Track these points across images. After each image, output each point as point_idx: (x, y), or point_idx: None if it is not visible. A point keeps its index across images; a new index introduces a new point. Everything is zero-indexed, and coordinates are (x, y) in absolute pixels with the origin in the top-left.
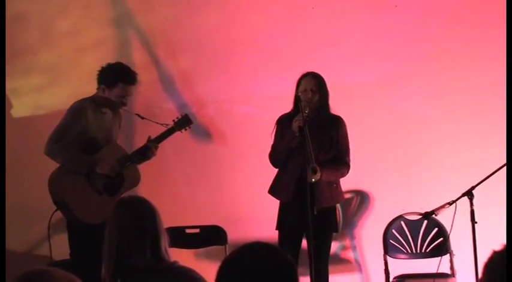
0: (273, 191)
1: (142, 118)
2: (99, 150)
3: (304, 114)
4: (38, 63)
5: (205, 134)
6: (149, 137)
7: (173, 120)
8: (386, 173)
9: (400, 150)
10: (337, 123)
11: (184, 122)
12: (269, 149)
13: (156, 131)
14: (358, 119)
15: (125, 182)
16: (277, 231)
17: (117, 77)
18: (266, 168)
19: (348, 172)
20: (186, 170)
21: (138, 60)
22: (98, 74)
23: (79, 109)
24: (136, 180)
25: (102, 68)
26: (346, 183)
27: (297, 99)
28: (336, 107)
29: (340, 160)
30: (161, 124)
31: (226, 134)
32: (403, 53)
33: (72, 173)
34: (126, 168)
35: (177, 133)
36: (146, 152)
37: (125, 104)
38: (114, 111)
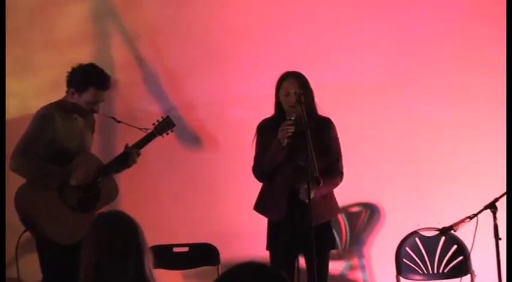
0: (261, 208)
1: (118, 122)
2: (72, 161)
3: (290, 122)
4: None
5: (194, 140)
6: (126, 144)
7: (153, 124)
8: (399, 184)
9: (414, 158)
10: (327, 126)
11: (165, 125)
12: None
13: (138, 137)
14: (365, 122)
15: (101, 196)
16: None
17: (88, 80)
18: None
19: (341, 181)
20: (173, 180)
21: (119, 58)
22: (68, 76)
23: (46, 116)
24: (114, 193)
25: (73, 69)
26: (353, 195)
27: (298, 101)
28: (340, 108)
29: (332, 168)
30: (140, 129)
31: (219, 140)
32: (416, 53)
33: (42, 187)
34: (102, 180)
35: (163, 139)
36: (127, 159)
37: (95, 112)
38: (84, 116)
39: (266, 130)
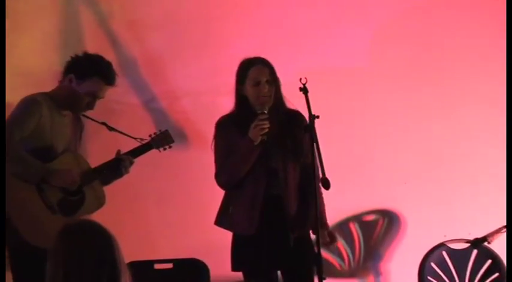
0: (225, 221)
1: (111, 129)
2: (56, 159)
3: (264, 116)
4: None
5: (179, 137)
6: (119, 150)
7: (150, 135)
8: (422, 188)
9: (440, 158)
10: (299, 120)
11: (163, 139)
12: None
13: (119, 145)
14: (382, 114)
15: (85, 202)
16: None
17: (95, 69)
18: None
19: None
20: (153, 184)
21: (89, 40)
22: (68, 62)
23: (32, 102)
24: (99, 202)
25: (77, 56)
26: (368, 200)
27: (304, 90)
28: (351, 95)
29: (312, 174)
30: (135, 138)
31: (208, 136)
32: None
33: (20, 182)
34: (88, 185)
35: (140, 134)
36: (118, 165)
37: (91, 107)
38: (76, 116)
39: (228, 129)
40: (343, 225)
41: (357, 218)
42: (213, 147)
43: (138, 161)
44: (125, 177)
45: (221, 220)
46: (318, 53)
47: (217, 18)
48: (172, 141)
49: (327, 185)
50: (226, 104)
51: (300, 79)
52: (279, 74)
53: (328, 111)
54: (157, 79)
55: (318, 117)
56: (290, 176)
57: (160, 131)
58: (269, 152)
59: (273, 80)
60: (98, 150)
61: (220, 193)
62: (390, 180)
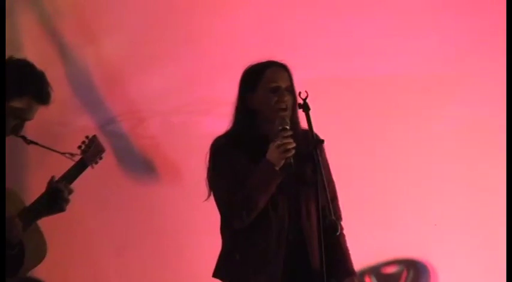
0: (231, 272)
1: (29, 143)
2: None
3: (288, 133)
4: None
5: (145, 167)
6: (52, 178)
7: (79, 147)
8: (456, 231)
9: (478, 192)
10: (318, 144)
11: (93, 148)
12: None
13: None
14: (402, 141)
15: (25, 256)
16: None
17: (25, 85)
18: None
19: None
20: (114, 230)
21: (29, 46)
22: None
23: None
24: (42, 252)
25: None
26: (387, 248)
27: (304, 106)
28: (362, 121)
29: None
30: (62, 153)
31: (181, 167)
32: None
33: None
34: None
35: (98, 166)
36: (56, 198)
37: (17, 132)
38: None
39: (230, 152)
40: None
41: (374, 270)
42: (210, 180)
43: (94, 198)
44: (77, 219)
45: (223, 271)
46: (316, 62)
47: (192, 20)
48: (104, 150)
49: (334, 229)
50: (205, 125)
51: (299, 93)
52: None
53: (334, 133)
54: (117, 95)
55: (323, 141)
56: (313, 216)
57: (87, 138)
58: (287, 184)
59: (292, 90)
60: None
61: (202, 238)
62: (416, 221)
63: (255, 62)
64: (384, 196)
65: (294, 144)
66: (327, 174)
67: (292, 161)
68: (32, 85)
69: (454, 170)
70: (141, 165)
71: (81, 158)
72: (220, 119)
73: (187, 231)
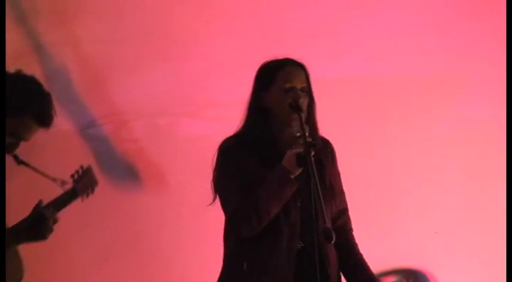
0: None
1: (20, 163)
2: None
3: (299, 134)
4: None
5: (128, 173)
6: (40, 200)
7: (72, 176)
8: (459, 238)
9: (484, 197)
10: (330, 150)
11: (87, 181)
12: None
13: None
14: (401, 147)
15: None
16: None
17: (27, 102)
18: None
19: None
20: (95, 240)
21: (6, 45)
22: None
23: None
24: (19, 275)
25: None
26: (386, 257)
27: (295, 107)
28: (362, 124)
29: (343, 224)
30: (53, 180)
31: (167, 172)
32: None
33: None
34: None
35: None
36: (40, 225)
37: (10, 151)
38: None
39: (241, 155)
40: None
41: None
42: (216, 182)
43: (71, 207)
44: (58, 231)
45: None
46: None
47: (180, 19)
48: (97, 183)
49: (328, 237)
50: (192, 127)
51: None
52: None
53: (330, 136)
54: (98, 97)
55: (315, 145)
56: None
57: (82, 168)
58: (302, 190)
59: (309, 91)
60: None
61: (190, 248)
62: (415, 228)
63: (271, 59)
64: (381, 202)
65: (312, 152)
66: (337, 184)
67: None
68: (35, 104)
69: (455, 174)
70: (123, 171)
71: (73, 187)
72: (208, 121)
73: (173, 242)
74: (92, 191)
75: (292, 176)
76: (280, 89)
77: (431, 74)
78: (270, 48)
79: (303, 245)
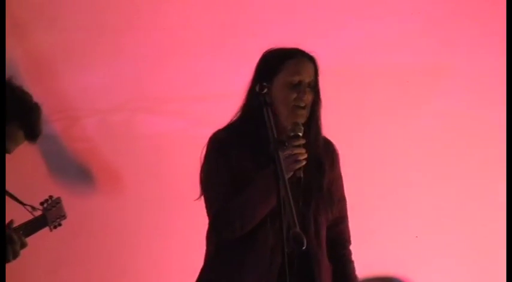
0: None
1: None
2: None
3: (300, 142)
4: None
5: (80, 175)
6: (10, 221)
7: (41, 204)
8: (439, 244)
9: (465, 200)
10: (332, 151)
11: (57, 210)
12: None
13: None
14: (380, 146)
15: None
16: None
17: (15, 112)
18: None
19: None
20: (45, 249)
21: None
22: None
23: None
24: None
25: None
26: (364, 264)
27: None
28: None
29: (340, 232)
30: (24, 204)
31: (123, 173)
32: None
33: None
34: None
35: (24, 174)
36: (6, 246)
37: None
38: None
39: (232, 149)
40: None
41: None
42: (203, 180)
43: (19, 211)
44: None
45: None
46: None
47: (136, 8)
48: (65, 216)
49: (299, 243)
50: (150, 124)
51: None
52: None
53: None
54: (47, 92)
55: (284, 144)
56: (322, 234)
57: (51, 198)
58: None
59: (315, 86)
60: None
61: (149, 255)
62: (394, 233)
63: (277, 47)
64: (357, 205)
65: (305, 155)
66: (339, 190)
67: (301, 174)
68: (23, 114)
69: (435, 176)
70: (75, 172)
71: (43, 215)
72: (167, 118)
73: (131, 247)
74: (60, 223)
75: (287, 174)
76: (284, 81)
77: (410, 64)
78: (235, 37)
79: (291, 251)
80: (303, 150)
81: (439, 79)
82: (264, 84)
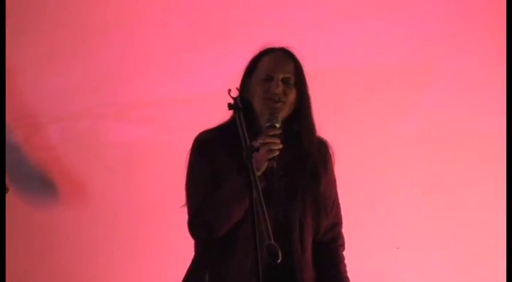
0: None
1: None
2: None
3: (276, 131)
4: None
5: (43, 186)
6: None
7: None
8: (423, 254)
9: (445, 210)
10: (325, 152)
11: None
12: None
13: None
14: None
15: None
16: None
17: None
18: (185, 250)
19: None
20: (10, 262)
21: None
22: None
23: None
24: None
25: None
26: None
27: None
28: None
29: (333, 236)
30: None
31: (88, 184)
32: None
33: None
34: None
35: None
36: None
37: None
38: None
39: (214, 149)
40: None
41: None
42: (186, 180)
43: None
44: None
45: None
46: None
47: (104, 8)
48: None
49: (273, 256)
50: (116, 132)
51: (229, 91)
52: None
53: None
54: (7, 97)
55: (257, 150)
56: (307, 238)
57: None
58: (280, 194)
59: (298, 82)
60: None
61: (115, 269)
62: (374, 243)
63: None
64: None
65: (280, 146)
66: (333, 195)
67: (274, 165)
68: None
69: (417, 184)
70: (38, 183)
71: None
72: (135, 124)
73: (98, 263)
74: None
75: (258, 173)
76: (258, 77)
77: (390, 64)
78: (206, 37)
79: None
80: (278, 140)
81: (430, 80)
82: (236, 87)
